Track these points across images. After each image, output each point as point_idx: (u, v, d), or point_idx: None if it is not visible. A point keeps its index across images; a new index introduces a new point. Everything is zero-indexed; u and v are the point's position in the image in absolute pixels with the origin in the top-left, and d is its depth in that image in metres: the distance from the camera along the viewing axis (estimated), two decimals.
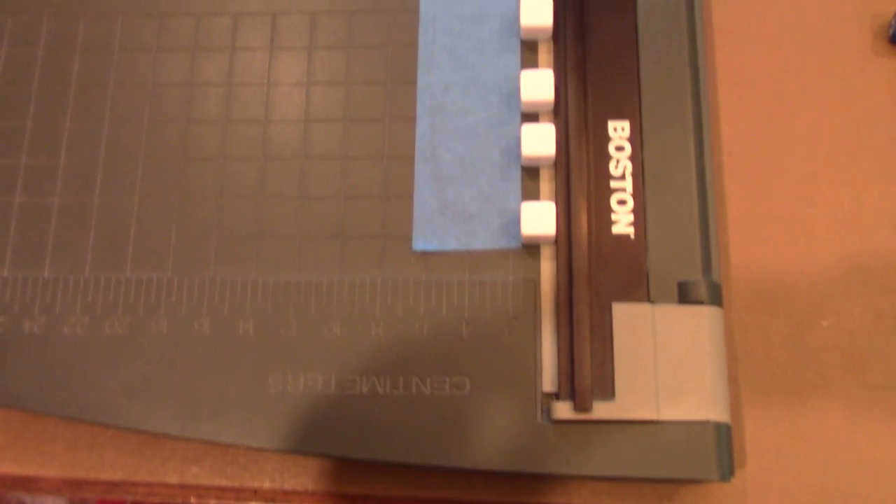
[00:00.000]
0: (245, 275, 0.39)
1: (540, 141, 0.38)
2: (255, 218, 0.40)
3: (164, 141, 0.41)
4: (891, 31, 0.43)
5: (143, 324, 0.38)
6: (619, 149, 0.39)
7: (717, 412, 0.35)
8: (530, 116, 0.40)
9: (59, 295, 0.39)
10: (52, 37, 0.43)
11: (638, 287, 0.37)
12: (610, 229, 0.38)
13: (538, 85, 0.39)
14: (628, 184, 0.39)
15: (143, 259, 0.39)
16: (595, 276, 0.37)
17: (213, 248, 0.39)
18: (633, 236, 0.38)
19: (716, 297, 0.37)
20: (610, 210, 0.38)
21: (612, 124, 0.39)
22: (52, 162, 0.41)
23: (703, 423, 0.35)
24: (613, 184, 0.39)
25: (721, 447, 0.35)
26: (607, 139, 0.39)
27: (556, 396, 0.36)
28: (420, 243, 0.39)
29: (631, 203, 0.38)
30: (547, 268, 0.38)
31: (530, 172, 0.39)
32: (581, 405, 0.35)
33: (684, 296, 0.37)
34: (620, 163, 0.39)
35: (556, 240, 0.38)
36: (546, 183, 0.39)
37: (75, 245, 0.40)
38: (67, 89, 0.42)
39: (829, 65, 0.43)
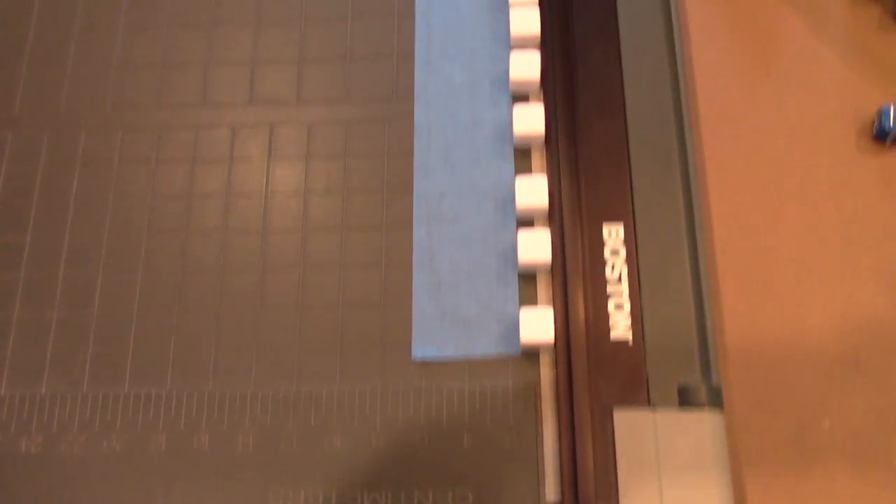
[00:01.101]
0: (244, 387, 0.39)
1: (536, 247, 0.39)
2: (254, 329, 0.40)
3: (162, 253, 0.42)
4: (874, 129, 0.44)
5: (141, 440, 0.38)
6: (615, 252, 0.39)
7: None
8: (526, 222, 0.41)
9: (57, 412, 0.39)
10: (52, 151, 0.44)
11: (638, 392, 0.37)
12: (608, 334, 0.38)
13: (532, 192, 0.40)
14: (625, 287, 0.39)
15: (141, 373, 0.39)
16: (595, 382, 0.37)
17: (212, 360, 0.39)
18: (631, 342, 0.38)
19: (716, 399, 0.37)
20: (607, 315, 0.38)
21: (606, 227, 0.40)
22: (51, 276, 0.42)
23: None
24: (610, 288, 0.39)
25: None
26: (602, 243, 0.40)
27: None
28: (419, 351, 0.39)
29: (628, 307, 0.39)
30: (546, 374, 0.38)
31: (527, 278, 0.40)
32: None
33: (685, 399, 0.37)
34: (616, 266, 0.39)
35: (555, 346, 0.38)
36: (543, 288, 0.40)
37: (73, 360, 0.40)
38: (67, 203, 0.43)
39: (816, 162, 0.44)
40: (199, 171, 0.43)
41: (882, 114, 0.43)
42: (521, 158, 0.42)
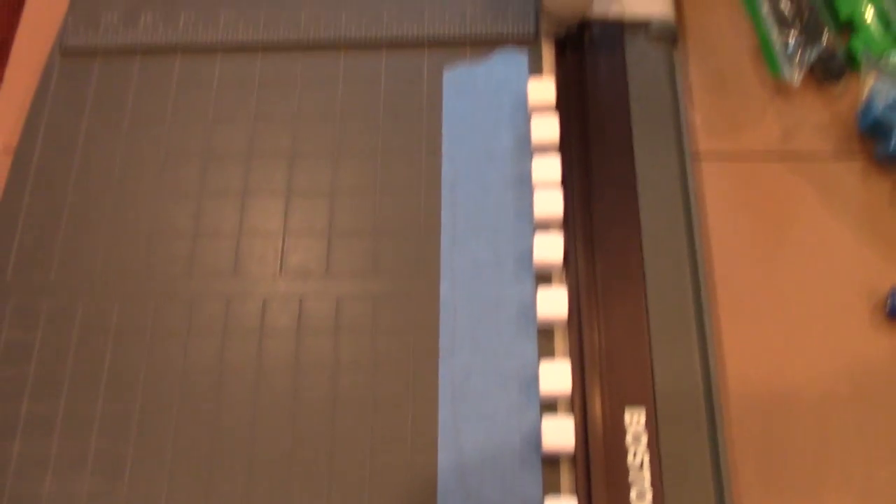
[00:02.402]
0: None
1: (559, 434, 0.40)
2: (284, 498, 0.41)
3: (193, 425, 0.43)
4: (887, 307, 0.45)
5: None
6: (636, 438, 0.40)
7: None
8: (549, 406, 0.42)
9: None
10: (86, 320, 0.45)
11: None
12: None
13: (555, 378, 0.41)
14: (646, 475, 0.40)
15: None
16: None
17: None
18: None
19: None
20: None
21: (628, 412, 0.41)
22: (83, 445, 0.42)
23: None
24: (632, 475, 0.40)
25: None
26: (624, 429, 0.41)
27: None
28: None
29: (649, 495, 0.39)
30: None
31: (551, 462, 0.41)
32: None
33: None
34: (638, 454, 0.40)
35: None
36: (566, 475, 0.40)
37: None
38: (101, 372, 0.44)
39: (831, 338, 0.45)
40: (230, 342, 0.44)
41: (895, 293, 0.45)
42: (545, 338, 0.43)
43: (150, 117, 0.50)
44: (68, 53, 0.52)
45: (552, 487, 0.40)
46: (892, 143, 0.47)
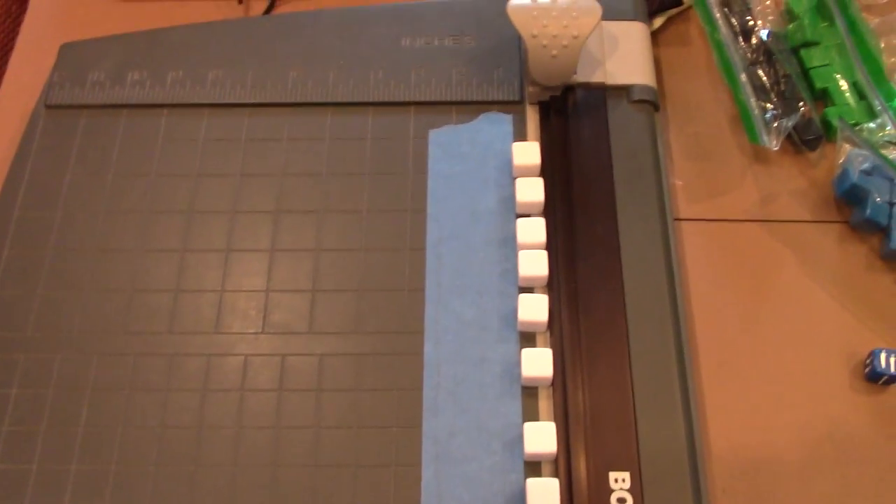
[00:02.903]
0: None
1: (544, 497, 0.39)
2: None
3: (170, 485, 0.42)
4: (866, 370, 0.46)
5: None
6: (621, 501, 0.40)
7: None
8: (533, 466, 0.41)
9: None
10: (62, 375, 0.44)
11: None
12: None
13: (540, 439, 0.41)
14: None
15: None
16: None
17: None
18: None
19: None
20: None
21: (612, 475, 0.41)
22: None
23: None
24: None
25: None
26: (609, 490, 0.40)
27: None
28: None
29: None
30: None
31: None
32: None
33: None
34: None
35: None
36: None
37: None
38: (76, 430, 0.43)
39: (812, 403, 0.45)
40: (210, 400, 0.44)
41: (874, 357, 0.45)
42: (529, 397, 0.43)
43: (134, 171, 0.50)
44: (54, 108, 0.52)
45: None
46: (868, 209, 0.48)
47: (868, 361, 0.46)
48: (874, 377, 0.45)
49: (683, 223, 0.50)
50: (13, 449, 0.43)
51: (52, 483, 0.42)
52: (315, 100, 0.51)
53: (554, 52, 0.46)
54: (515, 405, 0.43)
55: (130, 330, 0.45)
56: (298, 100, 0.51)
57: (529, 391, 0.43)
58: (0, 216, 0.49)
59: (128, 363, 0.45)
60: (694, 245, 0.49)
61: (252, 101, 0.51)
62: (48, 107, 0.52)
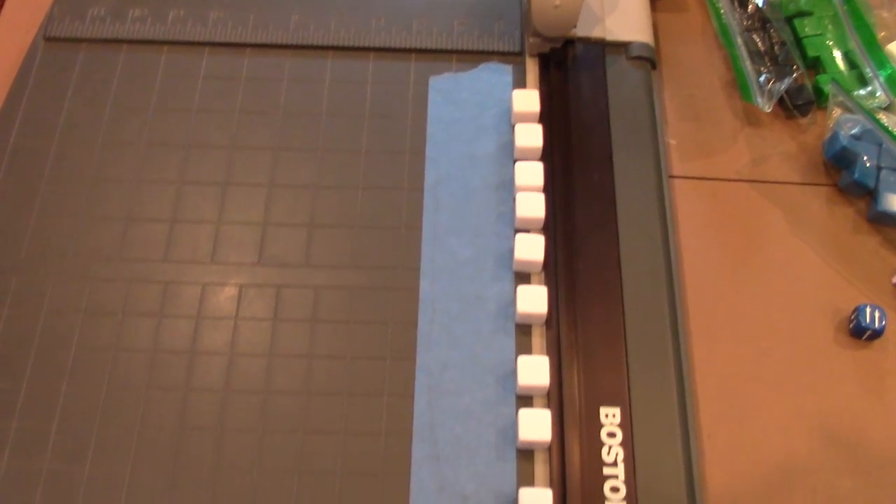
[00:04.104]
0: None
1: (536, 427, 0.40)
2: (251, 494, 0.40)
3: (161, 409, 0.41)
4: (850, 325, 0.46)
5: None
6: (611, 435, 0.41)
7: None
8: (525, 400, 0.42)
9: None
10: (55, 299, 0.44)
11: None
12: None
13: (534, 371, 0.41)
14: (620, 471, 0.40)
15: None
16: None
17: None
18: None
19: None
20: (604, 498, 0.39)
21: (603, 410, 0.41)
22: (45, 427, 0.41)
23: None
24: (606, 470, 0.40)
25: None
26: (600, 425, 0.41)
27: None
28: None
29: (623, 491, 0.39)
30: None
31: (525, 455, 0.40)
32: None
33: None
34: (612, 449, 0.40)
35: None
36: (541, 467, 0.40)
37: None
38: (67, 353, 0.43)
39: (797, 356, 0.46)
40: (204, 327, 0.43)
41: (859, 312, 0.46)
42: (523, 335, 0.43)
43: (132, 105, 0.50)
44: (52, 40, 0.52)
45: (526, 480, 0.40)
46: (856, 171, 0.49)
47: (853, 316, 0.46)
48: (858, 332, 0.46)
49: (676, 180, 0.51)
50: (3, 369, 0.42)
51: (41, 404, 0.42)
52: (316, 43, 0.51)
53: (556, 1, 0.47)
54: (509, 341, 0.43)
55: (125, 257, 0.45)
56: (300, 42, 0.51)
57: (523, 329, 0.44)
58: None
59: (121, 289, 0.44)
60: (685, 202, 0.50)
61: (253, 41, 0.51)
62: (47, 39, 0.52)
